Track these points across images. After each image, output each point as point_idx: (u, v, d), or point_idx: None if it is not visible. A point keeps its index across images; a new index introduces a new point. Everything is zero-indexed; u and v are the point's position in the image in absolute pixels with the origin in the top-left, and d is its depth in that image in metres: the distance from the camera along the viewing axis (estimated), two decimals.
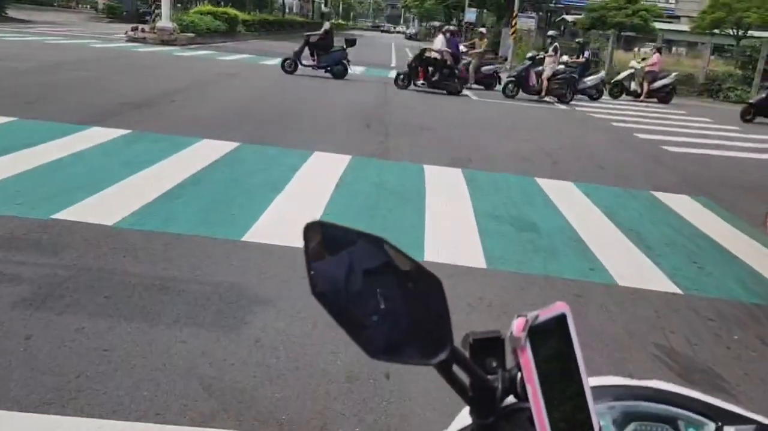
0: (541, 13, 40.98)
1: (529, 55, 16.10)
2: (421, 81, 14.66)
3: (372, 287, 0.60)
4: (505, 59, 24.74)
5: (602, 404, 0.79)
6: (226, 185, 5.36)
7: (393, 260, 0.62)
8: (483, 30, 18.90)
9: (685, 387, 0.87)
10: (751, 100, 14.85)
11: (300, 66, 15.23)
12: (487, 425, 0.66)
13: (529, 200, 5.98)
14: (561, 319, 0.63)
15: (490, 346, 0.66)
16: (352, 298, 0.60)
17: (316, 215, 4.82)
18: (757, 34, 30.52)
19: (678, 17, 49.97)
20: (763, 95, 14.51)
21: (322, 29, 15.65)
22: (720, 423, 0.78)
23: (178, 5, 39.70)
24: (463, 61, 15.64)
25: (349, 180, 5.95)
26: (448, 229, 4.88)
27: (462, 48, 16.21)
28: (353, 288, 0.60)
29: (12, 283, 3.30)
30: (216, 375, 2.70)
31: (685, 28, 38.71)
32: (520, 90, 15.43)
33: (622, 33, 32.64)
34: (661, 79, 17.40)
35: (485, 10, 46.00)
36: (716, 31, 31.03)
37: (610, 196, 6.51)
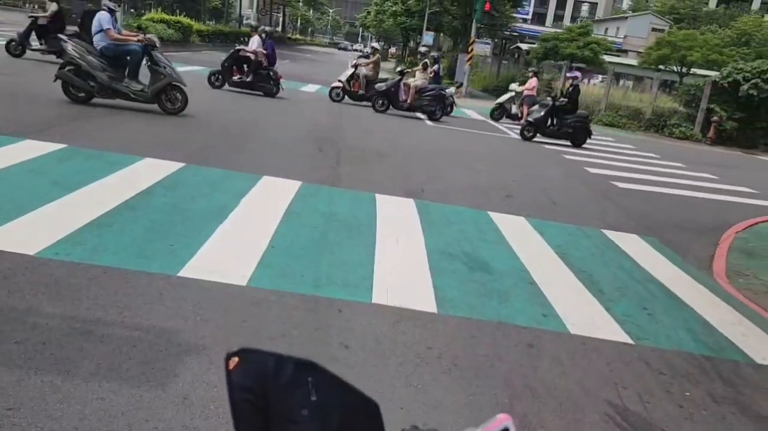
0: (496, 40, 41.78)
1: (398, 69, 16.06)
2: (237, 77, 14.52)
3: (303, 415, 0.58)
4: (461, 85, 24.92)
5: None
6: (165, 212, 5.03)
7: (324, 385, 0.59)
8: (375, 45, 18.67)
9: None
10: (529, 118, 15.14)
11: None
12: None
13: (482, 236, 5.86)
14: None
15: None
16: (283, 426, 0.57)
17: (260, 247, 4.57)
18: (700, 72, 31.87)
19: (626, 51, 51.88)
20: (542, 113, 14.79)
21: (50, 11, 14.33)
22: None
23: (132, 11, 38.79)
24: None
25: (297, 209, 5.70)
26: (399, 267, 4.68)
27: (360, 63, 16.19)
28: (282, 418, 0.58)
29: None
30: None
31: (633, 62, 40.18)
32: (391, 106, 15.40)
33: (573, 64, 33.55)
34: (538, 103, 17.26)
35: (442, 34, 46.60)
36: (662, 67, 32.25)
37: (563, 233, 6.46)
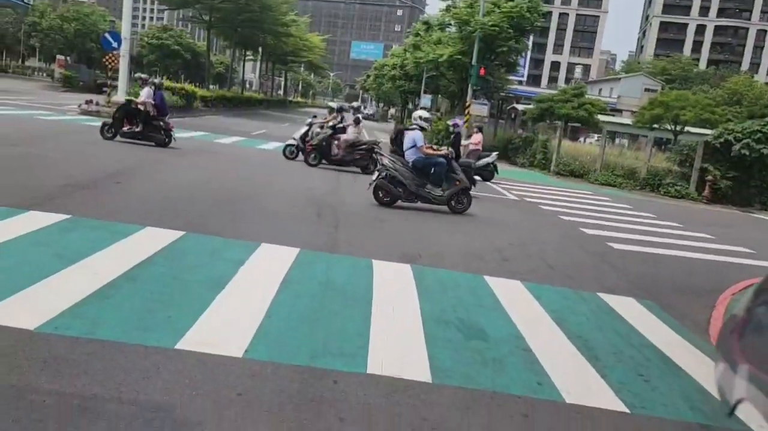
0: (492, 101, 42.81)
1: (330, 124, 16.31)
2: (128, 128, 14.92)
3: None
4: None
5: None
6: (164, 282, 5.11)
7: None
8: (332, 105, 19.01)
9: None
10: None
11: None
12: None
13: (478, 302, 5.91)
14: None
15: None
16: None
17: (258, 317, 4.62)
18: (693, 130, 32.48)
19: (620, 110, 52.99)
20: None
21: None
22: None
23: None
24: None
25: (295, 277, 5.78)
26: (394, 336, 4.73)
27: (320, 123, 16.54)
28: None
29: None
30: None
31: (628, 121, 41.00)
32: (323, 159, 15.75)
33: (568, 123, 34.23)
34: (483, 158, 17.01)
35: (440, 96, 47.75)
36: (656, 126, 32.89)
37: (559, 298, 6.51)
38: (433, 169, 10.98)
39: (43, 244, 5.65)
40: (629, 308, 6.51)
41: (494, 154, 17.36)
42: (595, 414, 3.99)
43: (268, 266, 6.04)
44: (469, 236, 9.38)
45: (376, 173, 11.04)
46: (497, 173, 17.04)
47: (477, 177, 13.99)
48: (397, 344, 4.59)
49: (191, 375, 3.65)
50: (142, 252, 5.79)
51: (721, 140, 21.27)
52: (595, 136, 38.80)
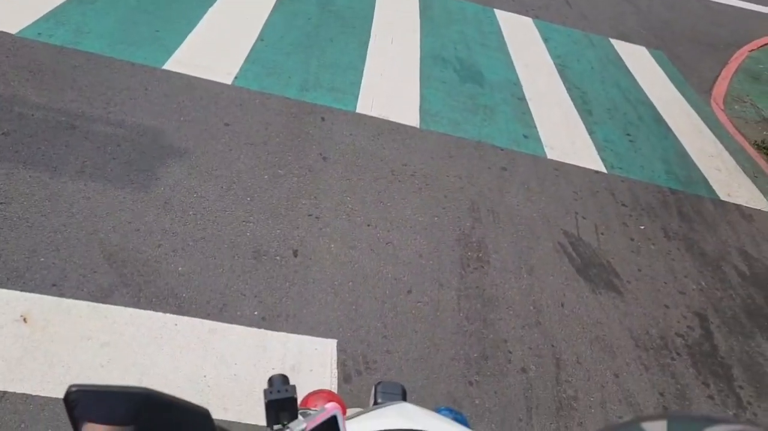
0: None
1: None
2: None
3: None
4: None
5: None
6: None
7: (161, 406, 0.63)
8: None
9: (442, 420, 0.95)
10: None
11: None
12: None
13: (482, 40, 5.66)
14: (332, 420, 0.71)
15: (283, 404, 0.77)
16: None
17: (249, 40, 4.45)
18: None
19: None
20: None
21: None
22: None
23: None
24: None
25: None
26: (389, 72, 4.62)
27: None
28: None
29: None
30: (119, 242, 2.66)
31: None
32: None
33: None
34: None
35: None
36: None
37: (568, 41, 6.22)
38: None
39: None
40: (638, 59, 6.28)
41: None
42: (572, 171, 4.13)
43: None
44: None
45: None
46: None
47: None
48: (390, 82, 4.51)
49: (179, 100, 3.65)
50: None
51: None
52: None
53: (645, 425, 0.45)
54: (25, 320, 2.27)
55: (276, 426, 0.79)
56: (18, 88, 3.35)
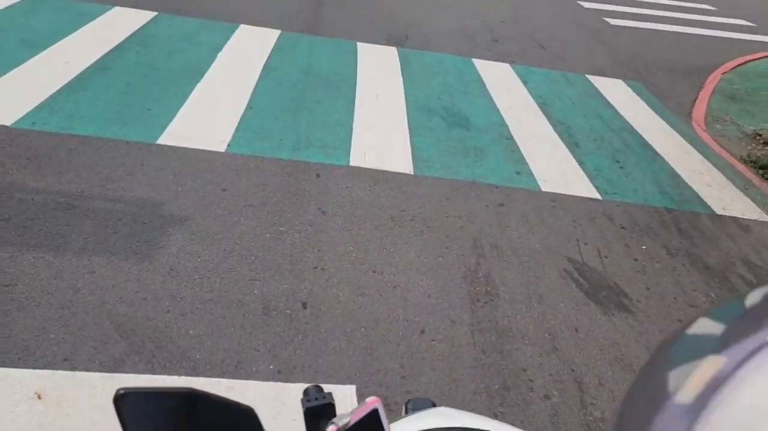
0: None
1: None
2: None
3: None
4: None
5: None
6: (140, 72, 4.94)
7: (207, 404, 0.65)
8: None
9: (482, 417, 0.98)
10: None
11: None
12: None
13: (464, 88, 5.82)
14: (374, 412, 0.73)
15: (322, 411, 0.77)
16: None
17: (239, 109, 4.57)
18: None
19: None
20: None
21: None
22: None
23: None
24: None
25: (276, 64, 5.59)
26: (378, 125, 4.73)
27: None
28: None
29: None
30: (127, 311, 2.65)
31: None
32: None
33: None
34: None
35: None
36: None
37: (547, 81, 6.40)
38: None
39: (6, 29, 5.33)
40: (616, 91, 6.45)
41: None
42: (569, 201, 4.18)
43: (248, 51, 5.80)
44: (459, 14, 8.89)
45: None
46: None
47: None
48: (380, 135, 4.61)
49: (175, 171, 3.71)
50: (113, 37, 5.50)
51: None
52: None
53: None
54: (39, 397, 2.24)
55: None
56: (16, 176, 3.41)
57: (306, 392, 0.81)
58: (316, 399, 0.79)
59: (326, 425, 0.74)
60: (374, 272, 3.17)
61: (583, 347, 2.93)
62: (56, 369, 2.34)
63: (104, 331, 2.54)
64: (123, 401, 0.60)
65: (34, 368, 2.33)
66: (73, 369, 2.36)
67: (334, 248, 3.29)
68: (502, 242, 3.61)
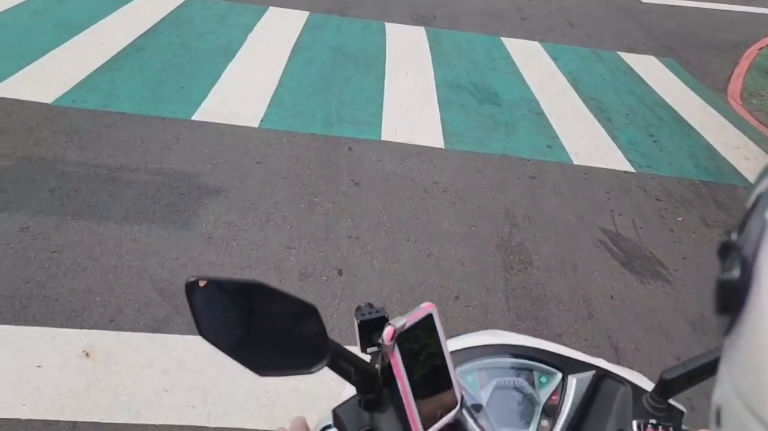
0: None
1: None
2: None
3: (255, 321, 0.67)
4: None
5: (468, 365, 0.90)
6: (173, 52, 5.01)
7: (271, 297, 0.67)
8: None
9: (535, 338, 0.98)
10: None
11: None
12: (370, 398, 0.77)
13: (494, 65, 5.79)
14: (428, 317, 0.74)
15: (375, 324, 0.77)
16: (238, 333, 0.66)
17: (270, 86, 4.62)
18: None
19: None
20: None
21: None
22: (566, 372, 0.90)
23: None
24: None
25: (306, 43, 5.62)
26: (408, 102, 4.74)
27: None
28: (239, 326, 0.66)
29: None
30: (168, 276, 2.72)
31: None
32: None
33: None
34: None
35: None
36: None
37: (577, 58, 6.33)
38: None
39: (42, 13, 5.44)
40: (648, 67, 6.35)
41: None
42: (601, 174, 4.14)
43: (277, 31, 5.84)
44: None
45: None
46: None
47: None
48: (411, 110, 4.62)
49: (211, 146, 3.78)
50: (147, 20, 5.58)
51: None
52: None
53: None
54: (87, 355, 2.31)
55: (370, 349, 0.80)
56: (58, 150, 3.51)
57: (358, 308, 0.83)
58: (369, 313, 0.79)
59: (379, 337, 0.76)
60: (408, 240, 3.19)
61: (619, 314, 2.92)
62: (103, 329, 2.42)
63: (147, 295, 2.61)
64: (193, 287, 0.62)
65: (81, 328, 2.41)
66: (119, 329, 2.43)
67: (367, 218, 3.32)
68: (535, 213, 3.60)
